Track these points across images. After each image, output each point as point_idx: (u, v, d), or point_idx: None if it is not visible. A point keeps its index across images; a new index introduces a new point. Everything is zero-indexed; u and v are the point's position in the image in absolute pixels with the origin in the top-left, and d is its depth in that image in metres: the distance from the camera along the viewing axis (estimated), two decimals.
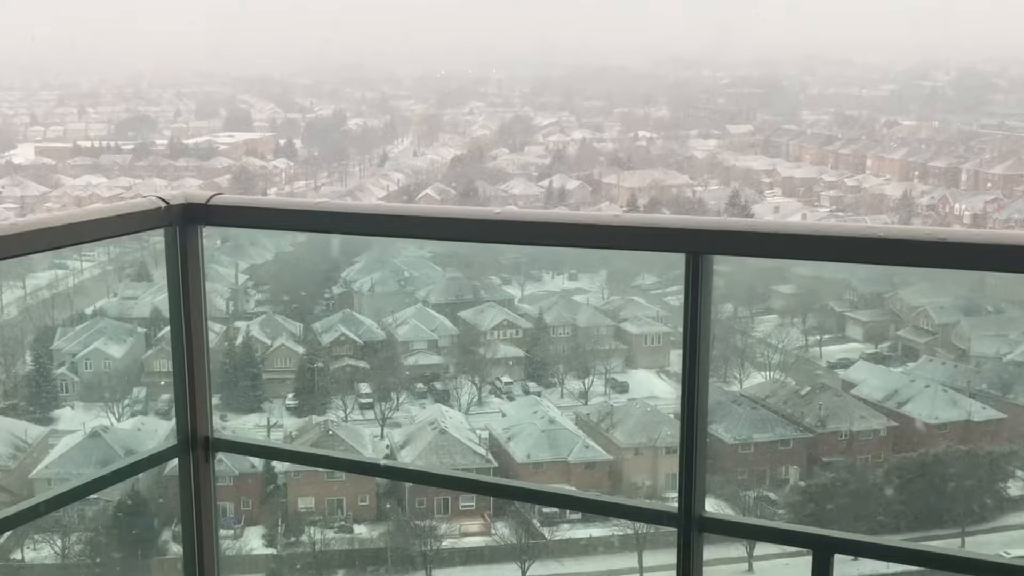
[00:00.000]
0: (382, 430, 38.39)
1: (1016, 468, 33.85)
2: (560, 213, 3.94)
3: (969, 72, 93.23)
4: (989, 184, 69.00)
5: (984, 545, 31.08)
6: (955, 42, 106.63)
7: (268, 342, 41.17)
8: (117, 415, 38.33)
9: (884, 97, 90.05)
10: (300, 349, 41.47)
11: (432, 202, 64.91)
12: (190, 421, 4.34)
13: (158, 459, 4.60)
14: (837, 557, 3.60)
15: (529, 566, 33.14)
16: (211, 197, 4.18)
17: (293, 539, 34.21)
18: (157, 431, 35.27)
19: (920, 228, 3.31)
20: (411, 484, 33.46)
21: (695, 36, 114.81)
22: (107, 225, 4.00)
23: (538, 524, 33.75)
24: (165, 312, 4.44)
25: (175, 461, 4.44)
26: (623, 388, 40.70)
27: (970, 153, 74.10)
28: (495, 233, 3.91)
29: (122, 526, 32.32)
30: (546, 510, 33.11)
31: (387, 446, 36.91)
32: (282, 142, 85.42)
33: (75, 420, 37.39)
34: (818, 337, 42.82)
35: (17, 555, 31.72)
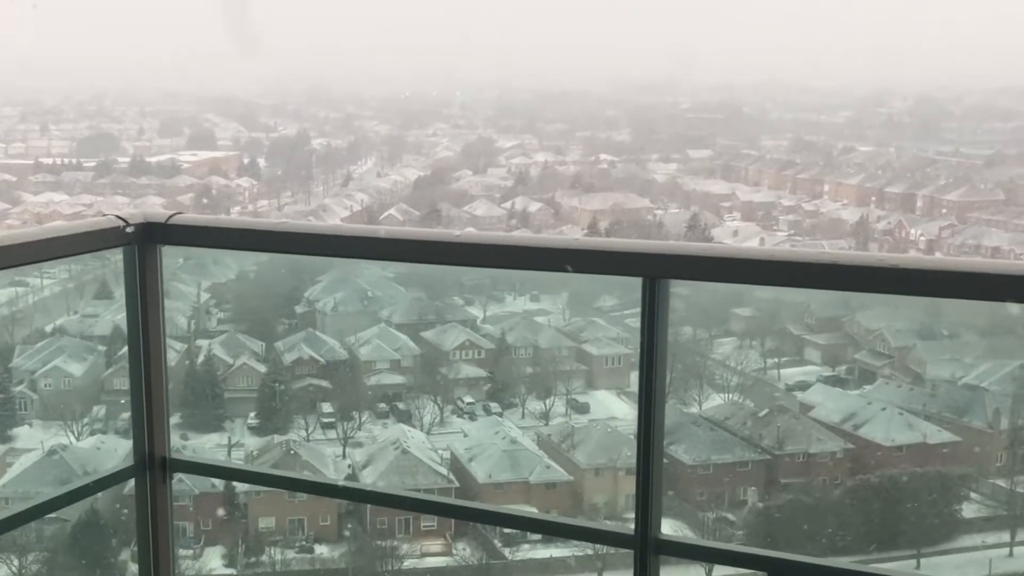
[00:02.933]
0: (344, 449, 38.17)
1: (970, 491, 34.13)
2: (518, 236, 3.98)
3: (925, 100, 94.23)
4: (944, 210, 69.86)
5: (938, 567, 31.26)
6: (912, 70, 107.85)
7: (230, 361, 40.87)
8: (76, 434, 37.86)
9: (841, 123, 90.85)
10: (262, 368, 41.20)
11: (395, 223, 64.78)
12: (147, 441, 4.32)
13: (115, 479, 4.57)
14: None
15: None
16: (170, 216, 4.18)
17: (253, 559, 33.90)
18: (117, 450, 34.87)
19: (875, 255, 3.35)
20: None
21: (657, 62, 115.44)
22: (65, 244, 4.00)
23: (499, 544, 33.65)
24: (125, 330, 4.42)
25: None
26: (584, 409, 40.69)
27: (926, 179, 74.93)
28: (455, 255, 3.94)
29: (80, 546, 31.91)
30: (507, 531, 33.02)
31: (349, 465, 36.71)
32: (246, 161, 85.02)
33: (33, 438, 36.89)
34: (776, 360, 43.02)
35: None
